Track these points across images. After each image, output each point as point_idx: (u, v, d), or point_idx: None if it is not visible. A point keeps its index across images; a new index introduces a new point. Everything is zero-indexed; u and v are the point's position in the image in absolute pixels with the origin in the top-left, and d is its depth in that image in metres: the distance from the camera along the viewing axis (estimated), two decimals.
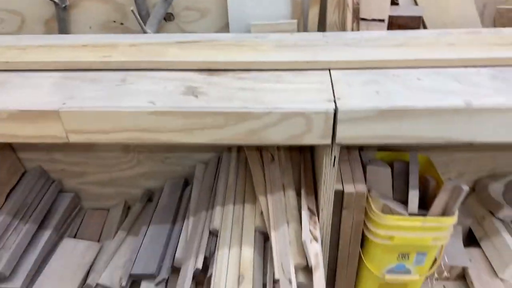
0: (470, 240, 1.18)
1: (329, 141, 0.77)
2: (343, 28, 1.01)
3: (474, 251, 1.14)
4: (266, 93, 0.78)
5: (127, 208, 1.32)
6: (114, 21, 1.11)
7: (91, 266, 1.14)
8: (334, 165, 0.82)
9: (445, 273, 1.09)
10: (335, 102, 0.74)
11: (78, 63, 0.87)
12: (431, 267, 1.03)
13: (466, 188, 0.89)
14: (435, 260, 1.03)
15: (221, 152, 1.21)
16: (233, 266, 0.88)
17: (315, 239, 0.84)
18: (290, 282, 0.78)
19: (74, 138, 0.80)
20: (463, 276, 1.12)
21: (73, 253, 1.18)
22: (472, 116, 0.72)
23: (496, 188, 1.14)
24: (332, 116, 0.73)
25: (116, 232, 1.21)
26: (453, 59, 0.82)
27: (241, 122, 0.75)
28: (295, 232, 0.88)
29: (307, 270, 0.84)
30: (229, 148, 1.19)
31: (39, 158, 1.25)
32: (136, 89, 0.81)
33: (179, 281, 0.92)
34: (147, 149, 1.22)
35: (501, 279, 1.06)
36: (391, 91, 0.77)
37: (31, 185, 1.21)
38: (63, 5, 1.06)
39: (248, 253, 0.90)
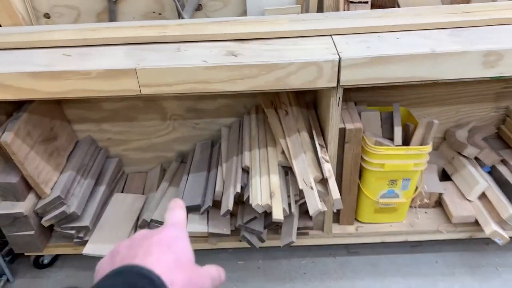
0: (444, 178, 1.47)
1: (335, 84, 1.06)
2: (336, 9, 1.31)
3: (447, 184, 1.43)
4: (286, 52, 1.06)
5: (163, 170, 1.58)
6: (154, 12, 1.39)
7: (140, 212, 1.40)
8: (338, 104, 1.11)
9: (426, 200, 1.38)
10: (338, 54, 1.03)
11: (141, 38, 1.14)
12: (414, 192, 1.32)
13: (436, 122, 1.19)
14: (417, 188, 1.33)
15: (241, 117, 1.48)
16: (265, 188, 1.15)
17: (327, 161, 1.13)
18: (312, 188, 1.06)
19: (145, 91, 1.06)
20: (440, 203, 1.41)
21: (124, 203, 1.44)
22: (436, 59, 1.02)
23: (461, 134, 1.44)
24: (337, 63, 1.02)
25: (158, 186, 1.46)
26: (421, 23, 1.13)
27: (270, 71, 1.03)
28: (311, 158, 1.16)
29: (323, 182, 1.12)
30: (248, 112, 1.46)
31: (89, 129, 1.50)
32: (190, 54, 1.08)
33: (222, 205, 1.19)
34: (181, 117, 1.49)
35: (468, 200, 1.35)
36: (378, 46, 1.06)
37: (84, 151, 1.46)
38: (114, 0, 1.33)
39: (275, 179, 1.17)
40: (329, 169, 1.10)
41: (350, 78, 1.05)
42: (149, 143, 1.54)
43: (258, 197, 1.13)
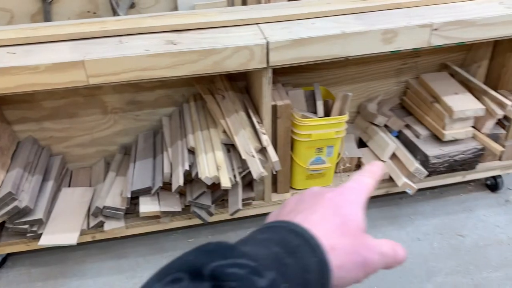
0: (361, 145, 1.70)
1: (265, 65, 1.22)
2: (258, 2, 1.48)
3: (364, 150, 1.66)
4: (221, 39, 1.21)
5: (107, 164, 1.64)
6: (88, 11, 1.46)
7: (91, 202, 1.46)
8: (269, 83, 1.27)
9: (348, 164, 1.60)
10: (266, 39, 1.20)
11: (83, 33, 1.22)
12: (337, 157, 1.52)
13: (350, 94, 1.40)
14: (339, 154, 1.54)
15: (180, 106, 1.60)
16: (211, 163, 1.29)
17: (263, 133, 1.29)
18: (254, 156, 1.22)
19: (93, 81, 1.15)
20: (359, 167, 1.64)
21: (73, 196, 1.49)
22: (346, 39, 1.22)
23: (372, 106, 1.68)
24: (266, 47, 1.19)
25: (105, 179, 1.53)
26: (331, 10, 1.33)
27: (208, 56, 1.17)
28: (250, 133, 1.31)
29: (262, 152, 1.28)
30: (187, 101, 1.58)
31: (30, 128, 1.53)
32: (132, 45, 1.19)
33: (173, 182, 1.30)
34: (121, 110, 1.56)
35: (382, 161, 1.59)
36: (297, 31, 1.24)
37: (28, 150, 1.48)
38: (49, 0, 1.39)
39: (220, 154, 1.31)
40: (266, 139, 1.26)
41: (277, 59, 1.22)
42: (90, 138, 1.60)
43: (206, 170, 1.26)
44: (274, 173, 1.29)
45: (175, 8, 1.49)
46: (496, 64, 1.65)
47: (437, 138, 1.55)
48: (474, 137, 1.56)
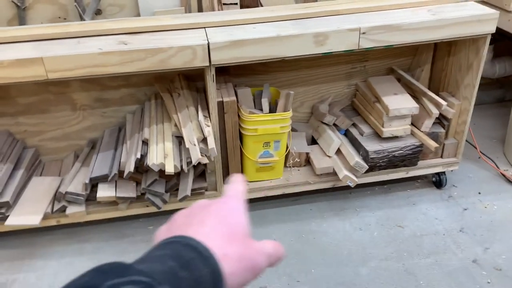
0: (313, 143, 1.83)
1: (207, 64, 1.36)
2: (212, 10, 1.63)
3: (314, 147, 1.79)
4: (169, 40, 1.36)
5: (76, 157, 1.78)
6: (59, 17, 1.62)
7: (57, 190, 1.60)
8: (213, 81, 1.41)
9: (297, 159, 1.72)
10: (208, 40, 1.34)
11: (46, 35, 1.38)
12: (286, 152, 1.65)
13: (292, 93, 1.54)
14: (287, 148, 1.66)
15: (143, 103, 1.74)
16: (160, 152, 1.43)
17: (207, 126, 1.42)
18: (195, 145, 1.35)
19: (52, 76, 1.30)
20: (309, 162, 1.76)
21: (42, 184, 1.63)
22: (281, 41, 1.36)
23: (323, 107, 1.81)
24: (207, 47, 1.33)
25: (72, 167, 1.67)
26: (272, 16, 1.47)
27: (155, 54, 1.32)
28: (196, 125, 1.45)
29: (205, 142, 1.41)
30: (149, 99, 1.73)
31: (6, 123, 1.68)
32: (88, 45, 1.34)
33: (125, 169, 1.44)
34: (89, 107, 1.71)
35: (329, 156, 1.71)
36: (238, 33, 1.39)
37: (2, 142, 1.63)
38: (23, 7, 1.56)
39: (169, 145, 1.45)
40: (208, 131, 1.40)
41: (218, 58, 1.36)
42: (62, 132, 1.74)
43: (154, 158, 1.39)
44: (212, 159, 1.43)
45: (138, 15, 1.65)
46: (436, 68, 1.78)
47: (379, 136, 1.67)
48: (413, 135, 1.68)
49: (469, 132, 1.76)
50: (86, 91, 1.67)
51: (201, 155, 1.35)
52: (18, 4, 1.53)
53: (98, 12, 1.62)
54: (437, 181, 1.83)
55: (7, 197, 1.49)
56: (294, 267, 1.52)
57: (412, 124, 1.68)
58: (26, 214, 1.49)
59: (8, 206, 1.50)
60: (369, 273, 1.48)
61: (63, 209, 1.55)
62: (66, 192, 1.53)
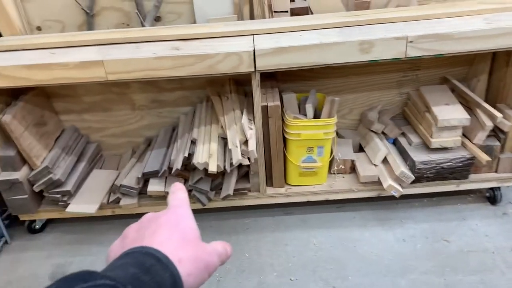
0: (360, 151, 1.82)
1: (253, 69, 1.42)
2: (263, 17, 1.69)
3: (360, 154, 1.78)
4: (218, 47, 1.43)
5: (133, 153, 1.92)
6: (123, 23, 1.76)
7: (113, 182, 1.73)
8: (258, 85, 1.46)
9: (341, 166, 1.73)
10: (254, 47, 1.39)
11: (109, 39, 1.50)
12: (330, 158, 1.66)
13: (337, 99, 1.55)
14: (332, 154, 1.67)
15: (196, 105, 1.83)
16: (206, 151, 1.50)
17: (251, 128, 1.48)
18: (237, 146, 1.41)
19: (111, 77, 1.42)
20: (354, 170, 1.75)
21: (101, 176, 1.77)
22: (323, 48, 1.39)
23: (372, 115, 1.80)
24: (253, 53, 1.38)
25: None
26: (318, 24, 1.50)
27: (203, 60, 1.39)
28: (240, 128, 1.51)
29: (246, 144, 1.47)
30: (201, 101, 1.82)
31: (73, 119, 1.85)
32: (145, 50, 1.45)
33: (173, 166, 1.53)
34: (147, 107, 1.84)
35: (375, 165, 1.70)
36: (284, 41, 1.43)
37: (69, 136, 1.80)
38: (91, 14, 1.71)
39: (214, 145, 1.52)
40: (251, 134, 1.45)
41: (263, 64, 1.41)
42: (121, 130, 1.89)
43: (199, 157, 1.47)
44: (252, 161, 1.47)
45: (194, 22, 1.74)
46: (494, 78, 1.70)
47: (427, 146, 1.63)
48: (464, 147, 1.62)
49: None
50: (144, 93, 1.80)
51: (242, 157, 1.40)
52: (87, 11, 1.68)
53: (157, 19, 1.73)
54: (491, 197, 1.75)
55: (69, 186, 1.64)
56: (331, 273, 1.52)
57: (464, 135, 1.63)
58: (85, 203, 1.63)
59: (70, 194, 1.65)
60: (407, 285, 1.45)
61: (117, 201, 1.67)
62: (121, 185, 1.65)
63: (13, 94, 1.64)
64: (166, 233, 0.44)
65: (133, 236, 0.45)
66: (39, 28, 1.76)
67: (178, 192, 0.52)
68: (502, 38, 1.39)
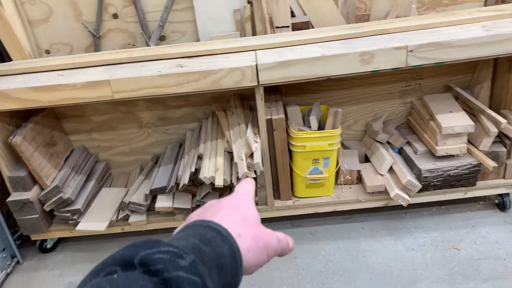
0: (366, 161, 1.82)
1: (256, 83, 1.44)
2: (265, 33, 1.72)
3: (366, 164, 1.78)
4: (220, 63, 1.46)
5: (142, 170, 1.94)
6: (129, 44, 1.80)
7: (123, 199, 1.75)
8: (262, 99, 1.49)
9: (348, 176, 1.73)
10: (256, 61, 1.42)
11: (115, 59, 1.54)
12: (336, 169, 1.67)
13: (340, 110, 1.56)
14: (338, 165, 1.68)
15: (202, 121, 1.86)
16: (212, 166, 1.52)
17: (256, 142, 1.49)
18: (242, 159, 1.42)
19: (117, 96, 1.45)
20: (361, 180, 1.76)
21: (110, 194, 1.79)
22: (325, 61, 1.41)
23: (376, 125, 1.81)
24: (255, 68, 1.41)
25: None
26: (320, 37, 1.52)
27: (207, 76, 1.42)
28: (245, 141, 1.53)
29: (252, 157, 1.48)
30: (207, 117, 1.84)
31: (82, 138, 1.88)
32: (150, 68, 1.48)
33: (181, 181, 1.55)
34: (154, 125, 1.87)
35: (381, 174, 1.70)
36: (287, 55, 1.45)
37: (78, 155, 1.83)
38: (98, 36, 1.75)
39: (220, 160, 1.54)
40: (256, 147, 1.47)
41: (266, 78, 1.43)
42: (129, 148, 1.91)
43: (206, 172, 1.49)
44: (258, 173, 1.49)
45: (198, 40, 1.78)
46: (497, 85, 1.71)
47: (433, 155, 1.63)
48: (470, 154, 1.62)
49: None
50: (151, 110, 1.83)
51: (248, 169, 1.42)
52: (94, 33, 1.73)
53: (162, 38, 1.77)
54: (500, 203, 1.73)
55: (79, 205, 1.66)
56: (341, 285, 1.51)
57: (470, 143, 1.63)
58: (94, 221, 1.65)
59: (80, 213, 1.67)
60: None
61: (126, 218, 1.69)
62: (130, 202, 1.67)
63: (23, 116, 1.68)
64: (226, 212, 0.46)
65: (197, 216, 0.48)
66: (47, 52, 1.81)
67: (245, 183, 0.55)
68: (501, 44, 1.40)
